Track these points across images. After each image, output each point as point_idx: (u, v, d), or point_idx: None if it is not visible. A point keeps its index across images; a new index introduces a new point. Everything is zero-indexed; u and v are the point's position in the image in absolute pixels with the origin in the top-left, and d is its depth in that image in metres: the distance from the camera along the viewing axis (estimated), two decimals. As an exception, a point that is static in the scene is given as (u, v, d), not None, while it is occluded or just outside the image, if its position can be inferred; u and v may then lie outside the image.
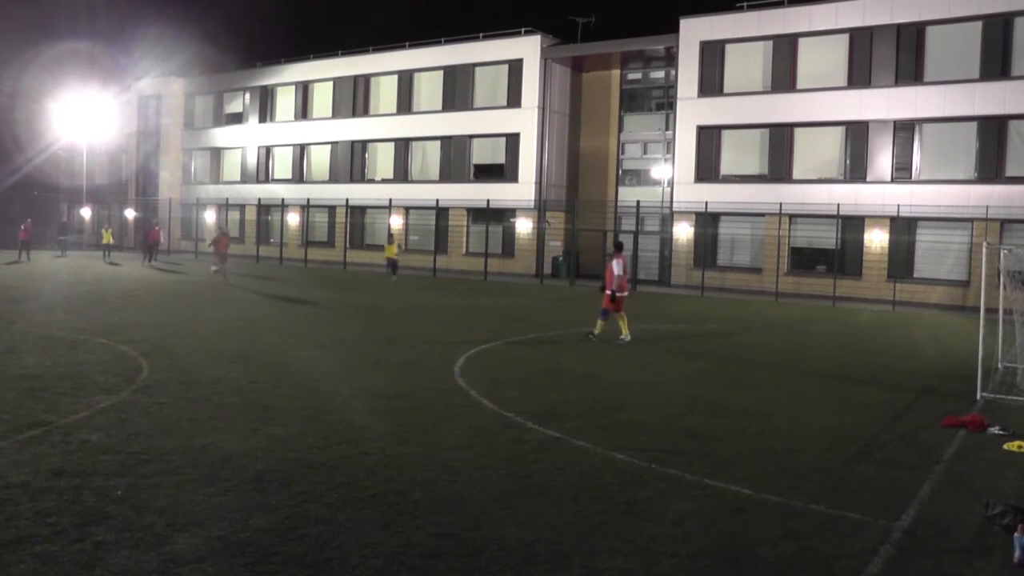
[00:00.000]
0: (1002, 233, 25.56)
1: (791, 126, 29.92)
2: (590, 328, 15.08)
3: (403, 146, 39.63)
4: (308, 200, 40.83)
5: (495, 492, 6.01)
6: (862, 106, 28.29)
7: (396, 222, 38.48)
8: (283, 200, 41.45)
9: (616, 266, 14.73)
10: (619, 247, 15.42)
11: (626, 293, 15.10)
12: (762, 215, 29.70)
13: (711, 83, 31.35)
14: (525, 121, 35.53)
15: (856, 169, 28.55)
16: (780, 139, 30.16)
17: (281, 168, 44.65)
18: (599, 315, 14.85)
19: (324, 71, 42.33)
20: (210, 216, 45.80)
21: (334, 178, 41.90)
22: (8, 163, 47.36)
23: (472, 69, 37.24)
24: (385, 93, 40.37)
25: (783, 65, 30.00)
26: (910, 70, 27.64)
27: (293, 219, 42.21)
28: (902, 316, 23.06)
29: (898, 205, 26.90)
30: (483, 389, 9.75)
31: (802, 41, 29.69)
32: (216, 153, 47.65)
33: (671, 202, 32.29)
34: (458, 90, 37.60)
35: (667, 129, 34.28)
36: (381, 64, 40.27)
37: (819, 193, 28.69)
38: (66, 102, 45.67)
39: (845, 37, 28.77)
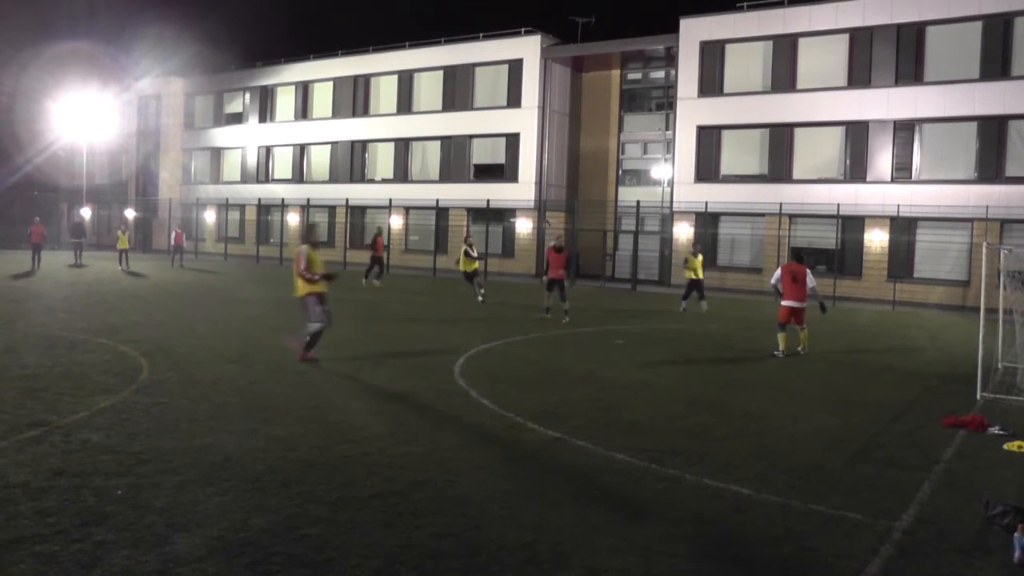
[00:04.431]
0: (1002, 233, 25.57)
1: (791, 126, 29.92)
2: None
3: (403, 146, 39.64)
4: (308, 200, 40.83)
5: (495, 492, 6.01)
6: (862, 106, 28.29)
7: (396, 222, 38.49)
8: (283, 200, 41.45)
9: (775, 275, 14.12)
10: (793, 256, 14.46)
11: (793, 304, 13.75)
12: (762, 215, 29.71)
13: (711, 83, 31.35)
14: (525, 121, 35.53)
15: (856, 169, 28.56)
16: (780, 139, 30.16)
17: (281, 168, 44.66)
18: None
19: (324, 71, 42.34)
20: (211, 217, 45.79)
21: (334, 178, 41.91)
22: (8, 163, 47.28)
23: (472, 69, 37.25)
24: (385, 93, 40.38)
25: (783, 65, 30.00)
26: (910, 70, 27.65)
27: (293, 219, 42.21)
28: (902, 316, 23.05)
29: (898, 205, 26.91)
30: (483, 389, 9.75)
31: (802, 41, 29.69)
32: (216, 153, 47.66)
33: (671, 202, 32.30)
34: (458, 90, 37.60)
35: (667, 129, 34.29)
36: (381, 64, 40.27)
37: (819, 193, 28.70)
38: (66, 102, 45.65)
39: (845, 37, 28.77)
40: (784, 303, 13.94)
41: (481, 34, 37.07)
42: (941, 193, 26.67)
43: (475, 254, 22.18)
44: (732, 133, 31.29)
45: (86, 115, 45.74)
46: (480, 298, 21.18)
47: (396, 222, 38.46)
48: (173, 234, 35.94)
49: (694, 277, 21.19)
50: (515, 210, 35.42)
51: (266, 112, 44.99)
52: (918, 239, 27.61)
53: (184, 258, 35.64)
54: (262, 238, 42.54)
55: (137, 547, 4.75)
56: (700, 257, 21.55)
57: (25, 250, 33.44)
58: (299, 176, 43.59)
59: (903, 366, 13.26)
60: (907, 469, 7.06)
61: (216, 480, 6.00)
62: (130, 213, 47.83)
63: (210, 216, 46.55)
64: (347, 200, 39.05)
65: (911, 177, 27.75)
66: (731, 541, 5.25)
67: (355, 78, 41.15)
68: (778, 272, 14.19)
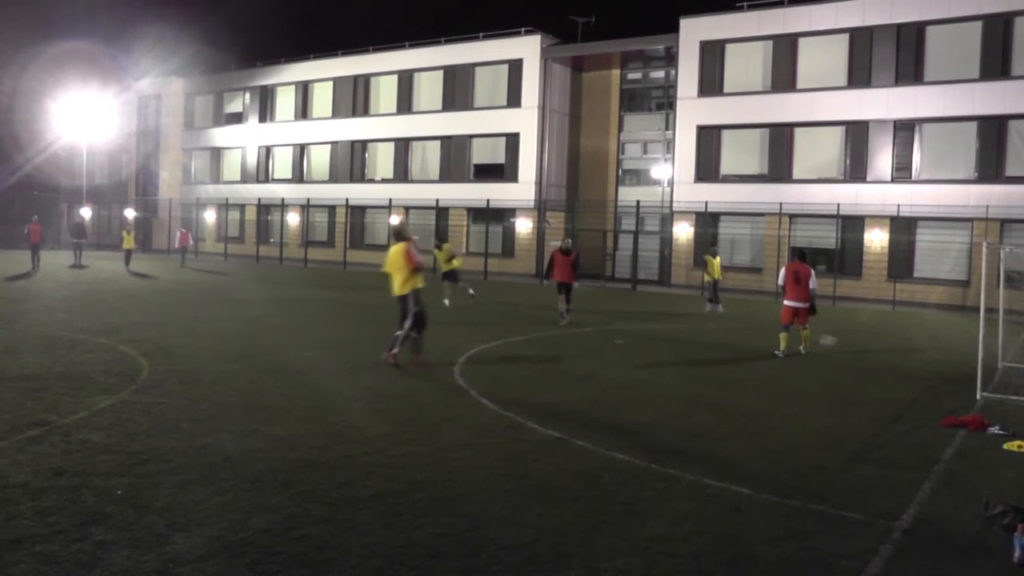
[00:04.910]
0: (1002, 233, 25.57)
1: (791, 126, 29.92)
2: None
3: (403, 146, 39.64)
4: (308, 200, 40.84)
5: (495, 492, 6.01)
6: (862, 106, 28.29)
7: (396, 222, 38.44)
8: (283, 200, 41.46)
9: (780, 275, 14.00)
10: (796, 255, 14.26)
11: (795, 304, 13.68)
12: (762, 215, 29.70)
13: (711, 83, 31.35)
14: (525, 121, 35.53)
15: (856, 169, 28.56)
16: (780, 139, 30.16)
17: (281, 168, 44.65)
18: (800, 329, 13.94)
19: (324, 71, 42.34)
20: (216, 215, 45.67)
21: (334, 178, 41.91)
22: (8, 163, 47.25)
23: (472, 69, 37.25)
24: (385, 93, 40.38)
25: (783, 65, 30.01)
26: (910, 70, 27.65)
27: (293, 219, 42.22)
28: (902, 316, 23.06)
29: (898, 205, 26.91)
30: (483, 389, 9.75)
31: (802, 41, 29.69)
32: (216, 153, 47.66)
33: (671, 202, 32.30)
34: (458, 90, 37.60)
35: (667, 129, 34.28)
36: (381, 64, 40.28)
37: (819, 193, 28.69)
38: (66, 102, 45.63)
39: (845, 37, 28.77)
40: (786, 303, 13.91)
41: (481, 34, 37.08)
42: (941, 193, 26.67)
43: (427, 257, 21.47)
44: (732, 133, 31.29)
45: (86, 115, 45.71)
46: (471, 292, 20.66)
47: (396, 222, 38.40)
48: (179, 234, 35.14)
49: (710, 279, 20.88)
50: (515, 210, 35.42)
51: (266, 112, 44.99)
52: (918, 239, 27.61)
53: (186, 258, 35.15)
54: (262, 238, 42.54)
55: (137, 547, 4.75)
56: (719, 258, 21.21)
57: (24, 250, 32.31)
58: (299, 176, 43.59)
59: (903, 366, 13.26)
60: (907, 469, 7.06)
61: (216, 480, 6.00)
62: (130, 213, 47.72)
63: (210, 216, 46.54)
64: (347, 200, 39.05)
65: (911, 177, 27.75)
66: (731, 541, 5.25)
67: (355, 78, 41.15)
68: (783, 271, 14.14)
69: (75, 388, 8.96)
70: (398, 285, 11.12)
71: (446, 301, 20.14)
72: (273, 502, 5.59)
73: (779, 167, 30.11)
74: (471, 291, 20.79)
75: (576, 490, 6.13)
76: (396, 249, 11.17)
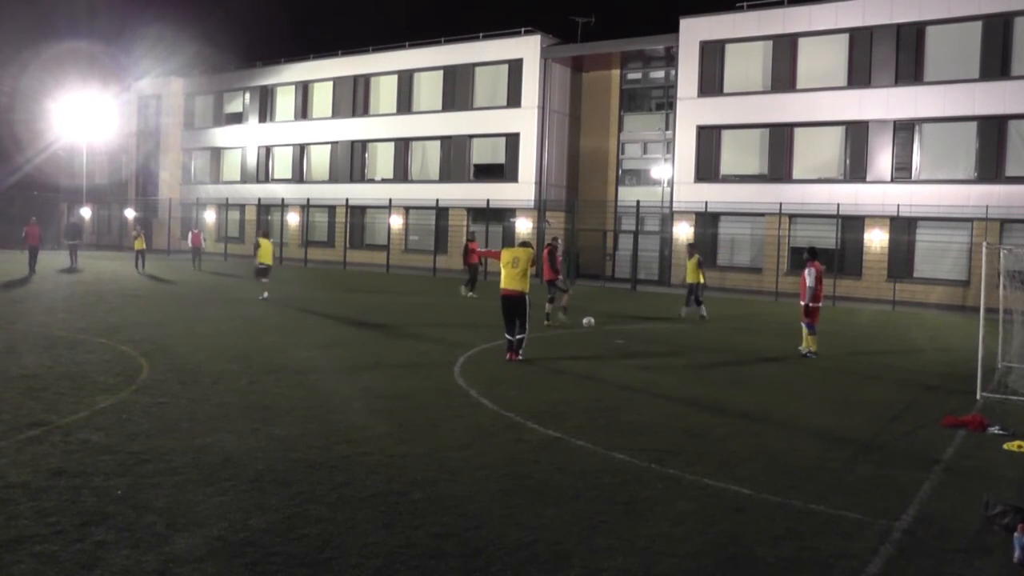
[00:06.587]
0: (1002, 233, 25.56)
1: (791, 126, 29.92)
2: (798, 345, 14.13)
3: (403, 146, 39.64)
4: (308, 200, 40.84)
5: (495, 492, 6.01)
6: (862, 106, 28.29)
7: (396, 222, 38.48)
8: (283, 200, 41.45)
9: (808, 275, 13.79)
10: (811, 254, 14.12)
11: (819, 304, 13.93)
12: (762, 215, 29.70)
13: (711, 83, 31.35)
14: (525, 121, 35.52)
15: (856, 169, 28.56)
16: (780, 139, 30.16)
17: (281, 168, 44.65)
18: (807, 330, 13.90)
19: (324, 71, 42.35)
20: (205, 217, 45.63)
21: (334, 178, 41.91)
22: (8, 163, 47.23)
23: (472, 69, 37.25)
24: (385, 93, 40.38)
25: (783, 65, 30.00)
26: (910, 70, 27.65)
27: (293, 219, 42.21)
28: (902, 316, 23.05)
29: (898, 205, 26.90)
30: (483, 389, 9.76)
31: (802, 41, 29.69)
32: (216, 153, 47.66)
33: (671, 202, 32.30)
34: (458, 90, 37.60)
35: (667, 129, 34.28)
36: (381, 64, 40.28)
37: (819, 193, 28.69)
38: (66, 102, 45.64)
39: (845, 37, 28.77)
40: (813, 304, 13.80)
41: (481, 34, 37.08)
42: (941, 193, 26.67)
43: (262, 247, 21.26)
44: (732, 133, 31.29)
45: (86, 115, 45.71)
46: (265, 294, 20.38)
47: (396, 222, 38.46)
48: (191, 234, 33.47)
49: (689, 281, 19.83)
50: (515, 210, 35.41)
51: (266, 112, 44.99)
52: (918, 239, 27.61)
53: (198, 260, 32.90)
54: (262, 238, 42.46)
55: (137, 547, 4.75)
56: (693, 259, 19.66)
57: (23, 251, 29.99)
58: (299, 176, 43.59)
59: (903, 366, 13.26)
60: (907, 469, 7.07)
61: (216, 480, 6.00)
62: (130, 213, 47.65)
63: (210, 216, 46.54)
64: (347, 200, 39.04)
65: (911, 177, 27.74)
66: (731, 541, 5.25)
67: (355, 78, 41.14)
68: (814, 271, 13.81)
69: (75, 388, 8.97)
70: (515, 281, 11.96)
71: (265, 294, 20.37)
72: (273, 502, 5.59)
73: (779, 167, 30.11)
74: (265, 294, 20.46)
75: (576, 490, 6.14)
76: (528, 251, 12.23)
